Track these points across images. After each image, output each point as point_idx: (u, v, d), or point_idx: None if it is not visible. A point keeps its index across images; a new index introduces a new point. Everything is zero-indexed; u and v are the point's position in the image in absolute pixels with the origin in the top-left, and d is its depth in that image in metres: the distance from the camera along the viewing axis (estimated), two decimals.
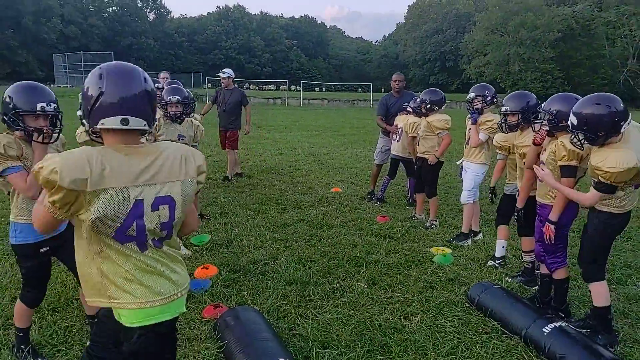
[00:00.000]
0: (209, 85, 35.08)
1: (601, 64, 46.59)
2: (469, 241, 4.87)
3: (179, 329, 3.05)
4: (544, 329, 2.90)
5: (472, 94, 4.71)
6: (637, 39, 43.27)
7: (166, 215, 1.61)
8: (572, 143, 2.87)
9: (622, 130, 2.68)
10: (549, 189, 3.20)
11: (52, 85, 41.98)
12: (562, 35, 45.22)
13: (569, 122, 2.82)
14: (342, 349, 2.89)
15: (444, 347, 2.96)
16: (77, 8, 55.71)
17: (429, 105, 5.29)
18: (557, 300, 3.34)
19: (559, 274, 3.28)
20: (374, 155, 7.05)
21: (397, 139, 6.15)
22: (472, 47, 51.88)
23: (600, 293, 2.99)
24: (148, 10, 66.11)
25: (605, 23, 45.07)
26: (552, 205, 3.14)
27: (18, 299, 2.68)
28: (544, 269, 3.42)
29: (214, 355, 2.78)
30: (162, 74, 7.53)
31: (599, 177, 2.72)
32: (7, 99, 2.41)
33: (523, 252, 4.03)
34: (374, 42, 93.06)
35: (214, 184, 7.36)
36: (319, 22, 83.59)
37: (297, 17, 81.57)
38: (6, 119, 2.41)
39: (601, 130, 2.69)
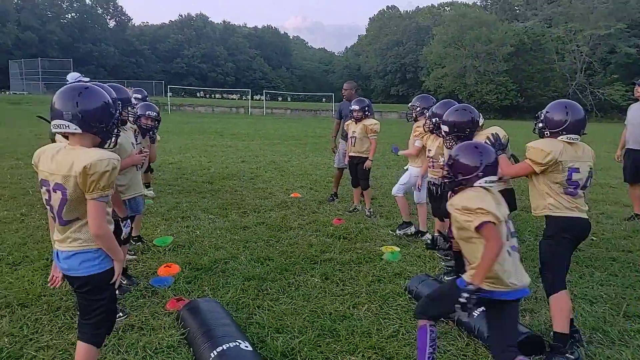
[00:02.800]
0: (171, 93, 34.69)
1: (552, 77, 49.23)
2: (412, 229, 5.37)
3: (144, 320, 3.29)
4: (474, 314, 3.30)
5: (410, 104, 5.26)
6: (584, 54, 46.06)
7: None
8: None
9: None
10: None
11: (7, 92, 40.41)
12: (515, 49, 47.54)
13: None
14: (295, 334, 3.20)
15: (387, 330, 3.32)
16: (35, 14, 53.95)
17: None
18: None
19: None
20: (334, 159, 7.39)
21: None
22: (431, 60, 53.72)
23: None
24: (108, 17, 64.83)
25: (555, 39, 47.76)
26: None
27: (85, 345, 2.24)
28: None
29: (177, 341, 3.03)
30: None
31: None
32: (109, 102, 2.06)
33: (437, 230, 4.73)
34: (336, 53, 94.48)
35: (176, 190, 7.52)
36: (282, 32, 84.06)
37: (260, 27, 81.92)
38: (108, 127, 2.09)
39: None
